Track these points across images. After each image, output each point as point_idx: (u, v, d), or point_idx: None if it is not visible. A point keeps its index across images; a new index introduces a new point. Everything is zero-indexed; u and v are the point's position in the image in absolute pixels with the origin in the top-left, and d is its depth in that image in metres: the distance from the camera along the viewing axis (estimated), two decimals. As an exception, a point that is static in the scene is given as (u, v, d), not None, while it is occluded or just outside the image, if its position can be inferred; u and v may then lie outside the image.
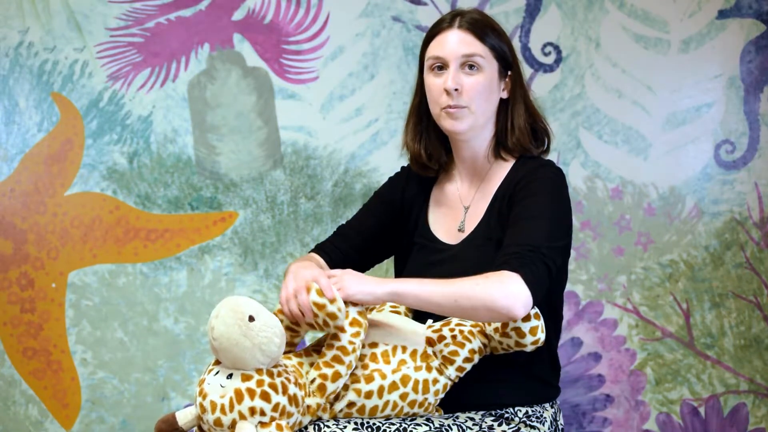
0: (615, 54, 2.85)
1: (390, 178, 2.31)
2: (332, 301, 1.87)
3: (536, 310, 1.98)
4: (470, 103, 2.08)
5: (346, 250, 2.25)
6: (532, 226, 1.98)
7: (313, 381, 1.88)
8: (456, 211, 2.18)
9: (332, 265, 2.21)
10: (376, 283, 1.91)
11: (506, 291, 1.88)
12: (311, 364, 1.92)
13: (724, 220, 2.87)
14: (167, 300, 2.83)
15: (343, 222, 2.28)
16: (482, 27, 2.10)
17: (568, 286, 2.73)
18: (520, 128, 2.12)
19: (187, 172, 2.83)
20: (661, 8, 2.84)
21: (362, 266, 2.27)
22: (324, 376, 1.88)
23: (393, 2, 2.83)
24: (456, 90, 2.07)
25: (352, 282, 1.91)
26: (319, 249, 2.26)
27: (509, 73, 2.13)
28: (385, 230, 2.25)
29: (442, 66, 2.10)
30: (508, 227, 2.02)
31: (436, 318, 2.05)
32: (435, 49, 2.11)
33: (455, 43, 2.09)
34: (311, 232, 2.84)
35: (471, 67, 2.08)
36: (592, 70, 2.84)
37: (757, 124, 2.86)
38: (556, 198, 2.05)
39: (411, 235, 2.22)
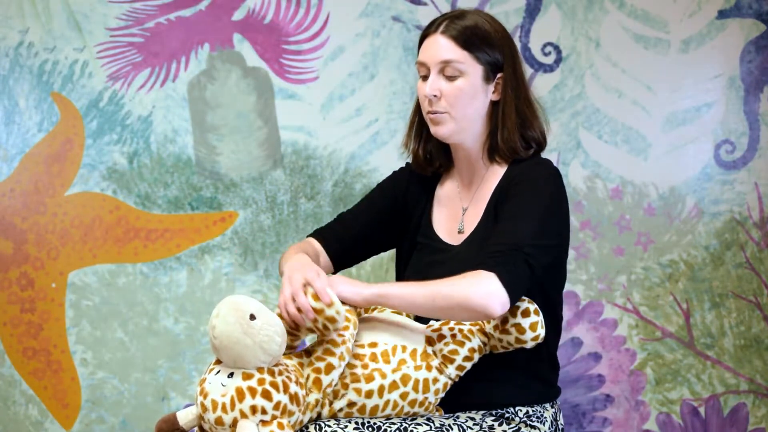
0: (615, 54, 2.84)
1: (394, 173, 2.31)
2: (329, 305, 1.88)
3: (536, 306, 1.99)
4: (450, 109, 2.08)
5: (343, 237, 2.25)
6: (517, 225, 1.98)
7: (308, 377, 1.89)
8: (456, 212, 2.19)
9: (329, 251, 2.24)
10: (364, 286, 1.95)
11: (481, 290, 1.90)
12: (311, 364, 1.92)
13: (724, 220, 2.87)
14: (167, 300, 2.83)
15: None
16: (463, 31, 2.07)
17: (568, 286, 2.73)
18: (509, 131, 2.11)
19: (187, 172, 2.83)
20: (661, 8, 2.84)
21: (358, 256, 2.29)
22: (317, 370, 1.88)
23: (393, 2, 2.83)
24: (435, 96, 2.08)
25: (341, 282, 1.95)
26: (318, 234, 2.27)
27: (500, 74, 2.11)
28: (384, 223, 2.26)
29: (426, 71, 2.11)
30: (495, 225, 2.03)
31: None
32: (420, 54, 2.12)
33: (435, 48, 2.09)
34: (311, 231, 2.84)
35: (451, 72, 2.08)
36: (592, 70, 2.84)
37: (757, 124, 2.86)
38: (547, 196, 2.04)
39: (414, 234, 2.22)
